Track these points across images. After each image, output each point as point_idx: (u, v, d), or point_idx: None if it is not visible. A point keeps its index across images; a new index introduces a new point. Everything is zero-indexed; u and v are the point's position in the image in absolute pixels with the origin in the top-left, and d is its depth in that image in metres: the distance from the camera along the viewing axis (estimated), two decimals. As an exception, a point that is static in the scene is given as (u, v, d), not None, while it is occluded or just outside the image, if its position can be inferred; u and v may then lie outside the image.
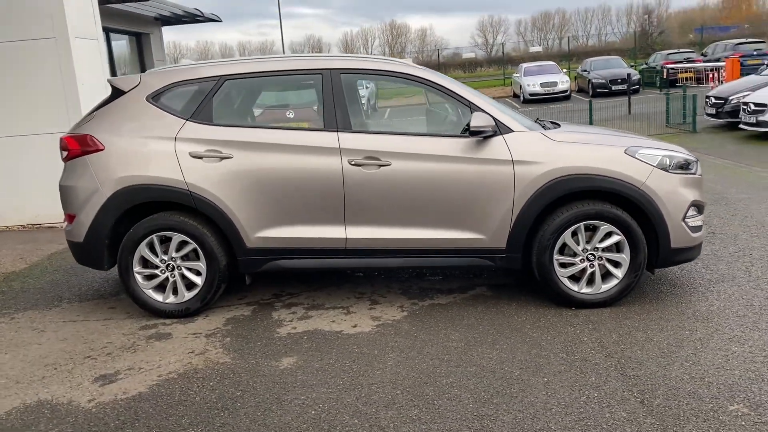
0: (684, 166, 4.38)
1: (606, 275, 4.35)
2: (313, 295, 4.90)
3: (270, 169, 4.33)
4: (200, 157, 4.35)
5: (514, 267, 4.42)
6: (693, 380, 3.28)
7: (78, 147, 4.46)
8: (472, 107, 4.34)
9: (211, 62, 4.76)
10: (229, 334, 4.22)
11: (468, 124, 4.28)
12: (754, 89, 12.54)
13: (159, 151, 4.39)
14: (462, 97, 4.41)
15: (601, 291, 4.34)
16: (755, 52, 23.67)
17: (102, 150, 4.42)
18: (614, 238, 4.27)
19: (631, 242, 4.26)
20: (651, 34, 53.75)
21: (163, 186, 4.37)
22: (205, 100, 4.46)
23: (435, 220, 4.35)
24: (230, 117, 4.65)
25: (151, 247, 4.47)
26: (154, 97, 4.51)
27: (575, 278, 4.37)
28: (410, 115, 5.38)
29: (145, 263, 4.51)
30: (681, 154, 4.45)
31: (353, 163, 4.27)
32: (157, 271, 4.49)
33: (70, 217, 4.57)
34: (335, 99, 4.38)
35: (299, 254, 4.45)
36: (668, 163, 4.32)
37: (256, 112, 5.22)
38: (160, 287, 4.54)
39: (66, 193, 4.55)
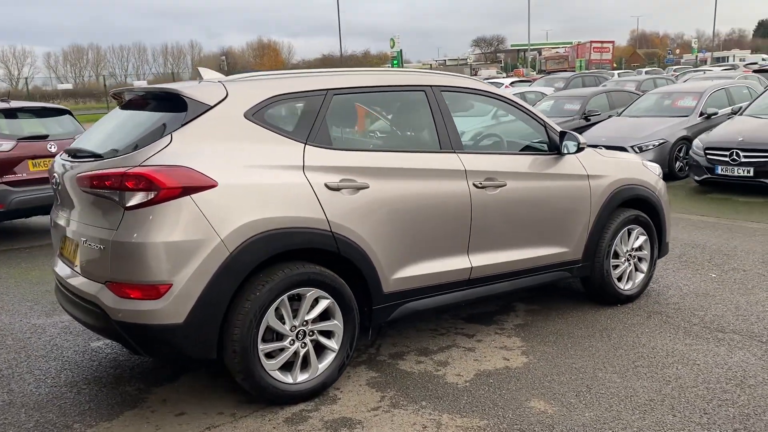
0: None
1: (636, 270, 5.04)
2: (404, 339, 4.31)
3: (406, 197, 3.73)
4: (338, 189, 3.48)
5: (584, 275, 4.76)
6: None
7: (176, 184, 3.05)
8: (546, 126, 4.53)
9: (307, 73, 3.78)
10: (399, 405, 3.48)
11: (550, 141, 4.47)
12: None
13: (289, 183, 3.35)
14: (536, 115, 4.56)
15: (636, 284, 5.01)
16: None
17: (215, 186, 3.13)
18: (642, 238, 5.01)
19: (651, 238, 5.06)
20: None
21: (307, 229, 3.35)
22: (318, 119, 3.57)
23: (539, 238, 4.40)
24: (348, 139, 3.81)
25: (278, 313, 3.35)
26: (255, 114, 3.40)
27: (620, 278, 4.94)
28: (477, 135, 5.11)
29: (269, 336, 3.35)
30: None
31: (479, 185, 4.02)
32: (285, 343, 3.38)
33: (151, 290, 3.07)
34: (444, 118, 4.04)
35: (427, 293, 3.93)
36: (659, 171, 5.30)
37: (371, 132, 4.28)
38: (286, 365, 3.42)
39: (145, 254, 3.04)
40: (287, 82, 3.61)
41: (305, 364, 3.47)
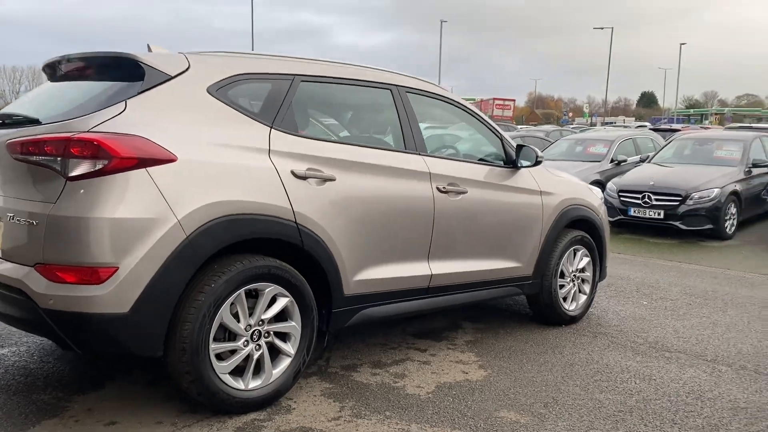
0: None
1: (577, 293, 5.03)
2: (354, 353, 4.01)
3: (372, 194, 3.52)
4: (304, 178, 3.22)
5: (533, 292, 4.68)
6: (747, 352, 4.33)
7: (131, 154, 2.69)
8: (503, 139, 4.49)
9: (274, 56, 3.50)
10: (363, 414, 3.20)
11: (506, 154, 4.42)
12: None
13: (254, 167, 3.05)
14: (494, 128, 4.50)
15: (579, 305, 4.99)
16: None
17: (174, 161, 2.79)
18: (586, 259, 5.02)
19: (594, 260, 5.09)
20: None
21: (271, 217, 3.05)
22: (285, 104, 3.31)
23: (495, 250, 4.29)
24: (315, 128, 3.55)
25: (233, 310, 3.01)
26: (219, 91, 3.11)
27: (565, 299, 4.90)
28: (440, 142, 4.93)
29: (221, 335, 2.99)
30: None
31: (442, 189, 3.88)
32: (239, 344, 3.03)
33: (91, 274, 2.65)
34: (409, 118, 3.89)
35: (387, 299, 3.69)
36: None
37: (337, 124, 3.96)
38: (237, 369, 3.06)
39: (87, 232, 2.64)
40: (254, 62, 3.35)
41: (258, 369, 3.12)
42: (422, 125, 4.05)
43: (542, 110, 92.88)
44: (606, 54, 49.82)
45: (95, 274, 2.65)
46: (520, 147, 4.45)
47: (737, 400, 3.53)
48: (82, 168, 2.66)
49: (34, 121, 2.94)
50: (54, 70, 3.45)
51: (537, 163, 4.44)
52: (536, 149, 4.47)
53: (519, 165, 4.43)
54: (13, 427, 2.88)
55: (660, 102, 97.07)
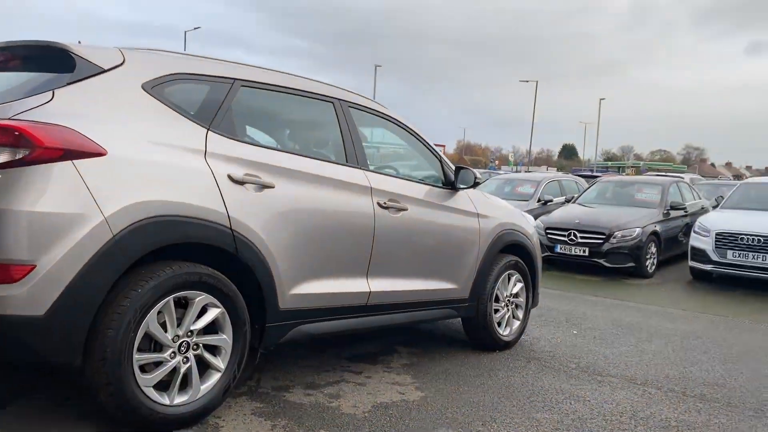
0: None
1: (511, 318, 5.03)
2: (286, 374, 3.83)
3: (312, 205, 3.43)
4: (242, 183, 3.09)
5: (469, 315, 4.64)
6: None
7: (56, 144, 2.50)
8: (442, 161, 4.50)
9: (214, 58, 3.38)
10: None
11: (445, 176, 4.43)
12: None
13: (189, 168, 2.91)
14: (433, 149, 4.51)
15: (513, 330, 4.98)
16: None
17: (103, 155, 2.62)
18: (519, 285, 5.05)
19: (527, 286, 5.12)
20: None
21: (205, 221, 2.89)
22: (223, 107, 3.20)
23: (434, 270, 4.25)
24: (254, 134, 3.43)
25: (160, 319, 2.82)
26: (154, 88, 2.97)
27: (499, 324, 4.89)
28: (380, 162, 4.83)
29: (146, 345, 2.79)
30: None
31: (383, 204, 3.83)
32: (165, 355, 2.82)
33: (5, 272, 2.42)
34: (351, 133, 3.84)
35: (324, 315, 3.57)
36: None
37: (277, 133, 3.79)
38: (161, 383, 2.84)
39: (3, 225, 2.42)
40: (192, 62, 3.24)
41: (185, 383, 2.92)
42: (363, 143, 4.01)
43: (470, 157, 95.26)
44: (530, 107, 51.94)
45: (8, 272, 2.42)
46: (458, 168, 4.47)
47: (668, 419, 3.57)
48: (2, 157, 2.45)
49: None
50: None
51: (475, 184, 4.46)
52: (475, 171, 4.51)
53: (458, 187, 4.44)
54: None
55: (580, 154, 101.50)
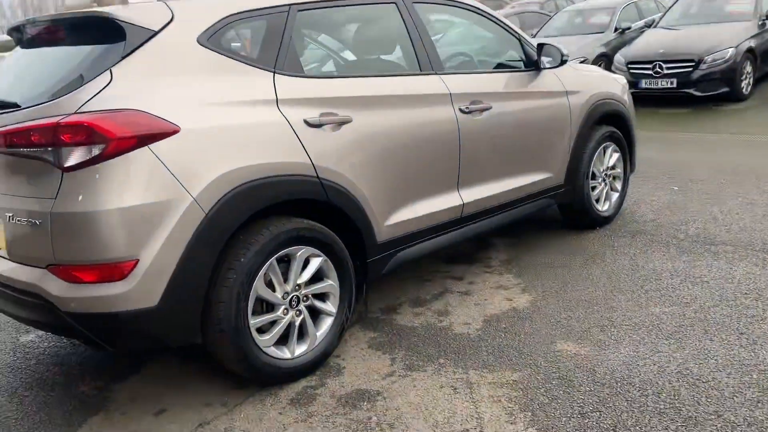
0: None
1: (609, 191, 4.78)
2: (391, 291, 3.85)
3: (393, 130, 3.21)
4: (319, 126, 2.90)
5: (566, 200, 4.44)
6: None
7: (128, 133, 2.37)
8: (522, 40, 4.10)
9: None
10: (409, 369, 3.06)
11: (527, 56, 4.05)
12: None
13: (264, 122, 2.74)
14: (510, 28, 4.09)
15: (612, 204, 4.76)
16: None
17: (177, 132, 2.48)
18: (616, 156, 4.74)
19: (624, 155, 4.81)
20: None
21: (292, 176, 2.77)
22: (284, 41, 2.94)
23: (525, 165, 4.03)
24: (321, 65, 3.19)
25: (266, 280, 2.80)
26: (211, 39, 2.73)
27: (597, 200, 4.66)
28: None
29: (259, 308, 2.80)
30: None
31: (465, 110, 3.55)
32: (278, 313, 2.84)
33: (112, 270, 2.42)
34: (420, 33, 3.50)
35: (421, 237, 3.47)
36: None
37: (343, 54, 3.58)
38: (281, 338, 2.89)
39: (98, 226, 2.38)
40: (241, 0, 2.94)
41: (301, 334, 2.95)
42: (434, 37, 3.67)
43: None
44: None
45: (115, 270, 2.42)
46: (541, 45, 4.07)
47: (798, 296, 3.38)
48: (76, 156, 2.36)
49: (11, 106, 2.60)
50: (22, 35, 3.04)
51: (562, 62, 4.07)
52: (559, 46, 4.09)
53: (541, 66, 4.07)
54: (59, 429, 2.75)
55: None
